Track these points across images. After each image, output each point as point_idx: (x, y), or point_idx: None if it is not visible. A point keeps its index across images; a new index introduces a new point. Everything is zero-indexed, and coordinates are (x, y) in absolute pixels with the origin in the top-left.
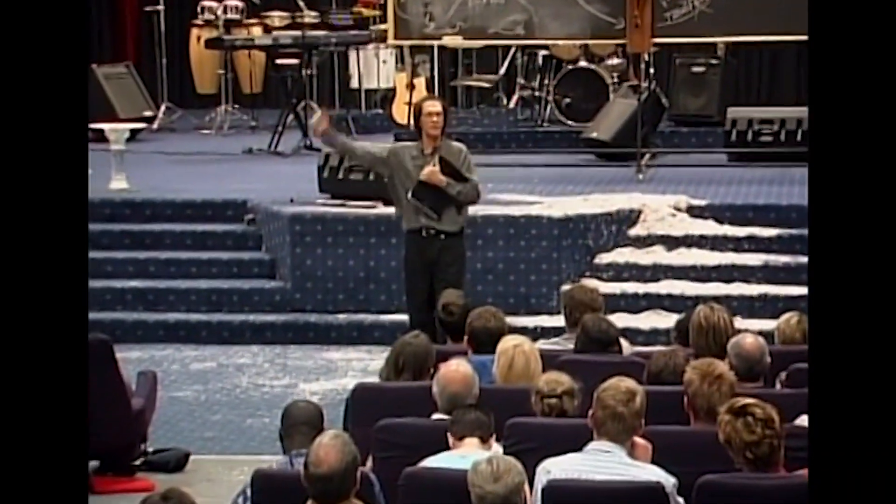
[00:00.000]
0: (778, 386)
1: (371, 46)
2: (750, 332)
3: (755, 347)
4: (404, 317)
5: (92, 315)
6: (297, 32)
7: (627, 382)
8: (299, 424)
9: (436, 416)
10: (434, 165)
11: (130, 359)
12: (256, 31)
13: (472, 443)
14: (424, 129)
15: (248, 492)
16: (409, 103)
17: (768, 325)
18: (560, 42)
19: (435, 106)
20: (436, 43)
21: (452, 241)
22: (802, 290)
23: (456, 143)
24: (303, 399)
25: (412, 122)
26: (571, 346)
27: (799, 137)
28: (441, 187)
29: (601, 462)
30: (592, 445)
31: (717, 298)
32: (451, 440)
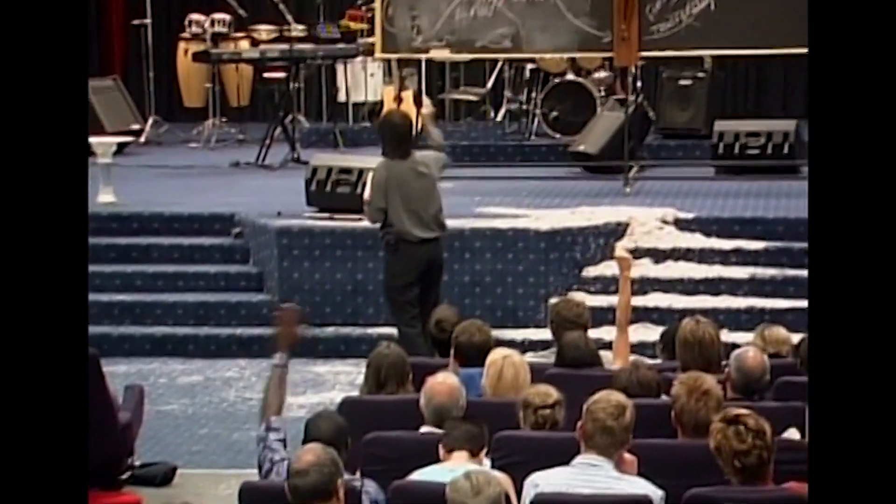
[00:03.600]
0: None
1: (358, 60)
2: (754, 347)
3: (758, 364)
4: (392, 330)
5: None
6: (285, 46)
7: (617, 396)
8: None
9: (423, 428)
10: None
11: (117, 373)
12: (244, 44)
13: (461, 456)
14: None
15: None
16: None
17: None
18: (547, 55)
19: None
20: (423, 56)
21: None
22: (789, 303)
23: (379, 165)
24: (326, 411)
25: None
26: None
27: (785, 150)
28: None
29: (589, 476)
30: (580, 459)
31: (704, 311)
32: (441, 452)
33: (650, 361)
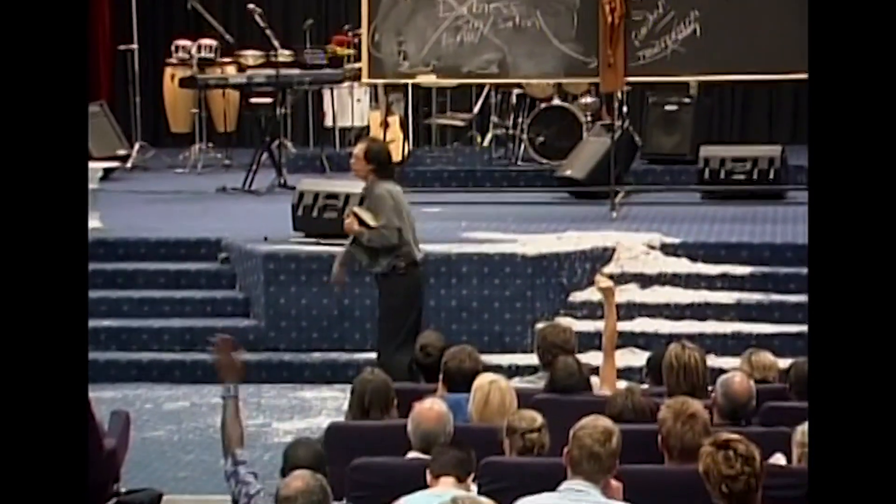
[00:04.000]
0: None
1: (345, 85)
2: (739, 372)
3: (744, 389)
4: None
5: None
6: (271, 71)
7: (604, 421)
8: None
9: (410, 454)
10: (348, 216)
11: (103, 398)
12: (230, 69)
13: (448, 482)
14: None
15: None
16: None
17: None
18: (534, 81)
19: (356, 149)
20: (410, 82)
21: (383, 281)
22: (775, 328)
23: (380, 188)
24: (304, 438)
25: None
26: (544, 384)
27: (771, 176)
28: (357, 237)
29: (575, 501)
30: (566, 485)
31: (690, 336)
32: (428, 478)
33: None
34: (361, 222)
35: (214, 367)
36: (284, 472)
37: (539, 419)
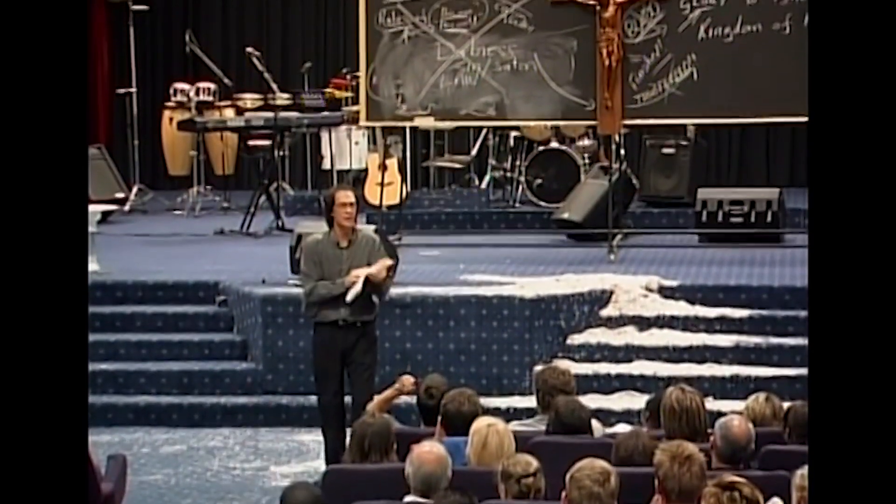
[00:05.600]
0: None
1: (343, 128)
2: (738, 415)
3: (743, 433)
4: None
5: None
6: (270, 114)
7: (601, 463)
8: None
9: (408, 498)
10: (356, 277)
11: (100, 442)
12: (229, 112)
13: None
14: (337, 219)
15: None
16: (382, 184)
17: (739, 406)
18: (531, 123)
19: (348, 196)
20: (408, 124)
21: (370, 328)
22: (773, 371)
23: (368, 231)
24: (302, 482)
25: (324, 212)
26: (543, 427)
27: (769, 219)
28: (379, 287)
29: None
30: None
31: (688, 379)
32: None
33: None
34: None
35: None
36: None
37: (534, 463)
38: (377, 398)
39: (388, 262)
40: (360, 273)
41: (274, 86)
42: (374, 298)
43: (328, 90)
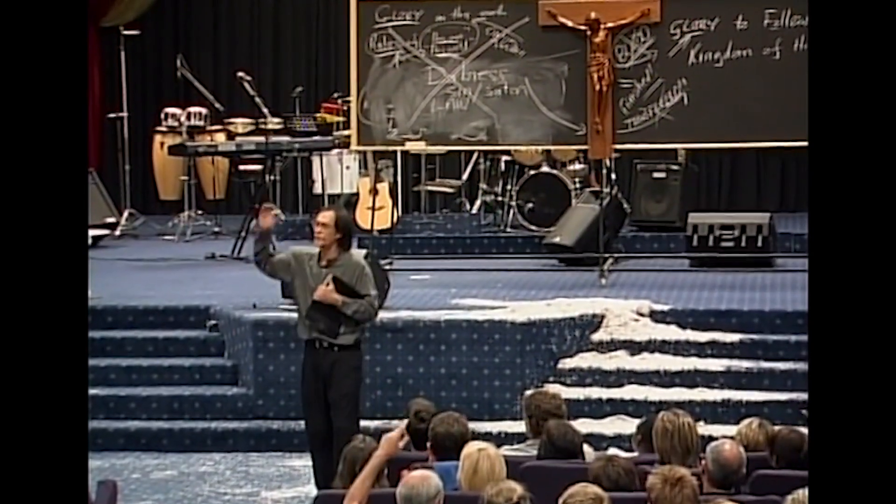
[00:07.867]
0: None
1: (334, 152)
2: (729, 440)
3: (734, 457)
4: (368, 423)
5: None
6: (261, 138)
7: (593, 487)
8: None
9: None
10: (328, 284)
11: (91, 468)
12: (220, 137)
13: None
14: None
15: None
16: (373, 208)
17: (731, 430)
18: (522, 148)
19: (324, 217)
20: (399, 149)
21: (346, 353)
22: (765, 396)
23: (357, 257)
24: None
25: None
26: (534, 452)
27: (759, 243)
28: (336, 306)
29: None
30: None
31: (680, 404)
32: None
33: (626, 455)
34: (343, 291)
35: None
36: None
37: (518, 490)
38: (365, 470)
39: (334, 295)
40: (318, 291)
41: (265, 110)
42: (347, 324)
43: (319, 115)
